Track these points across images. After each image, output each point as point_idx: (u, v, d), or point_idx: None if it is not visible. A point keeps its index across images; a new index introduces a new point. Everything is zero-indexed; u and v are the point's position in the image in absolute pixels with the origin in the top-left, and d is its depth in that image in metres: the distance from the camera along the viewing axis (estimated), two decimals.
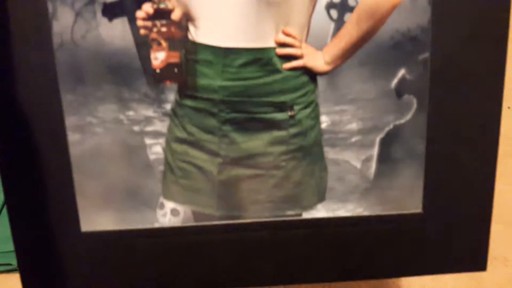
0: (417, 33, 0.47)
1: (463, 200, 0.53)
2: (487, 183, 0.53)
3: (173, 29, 0.47)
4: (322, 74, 0.49)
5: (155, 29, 0.46)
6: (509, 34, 0.49)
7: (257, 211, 0.52)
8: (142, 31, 0.47)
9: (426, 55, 0.48)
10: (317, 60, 0.49)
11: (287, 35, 0.47)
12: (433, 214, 0.53)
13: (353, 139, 0.51)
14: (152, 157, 0.51)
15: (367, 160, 0.51)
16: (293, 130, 0.50)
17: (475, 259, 0.54)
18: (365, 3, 0.46)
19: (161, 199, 0.52)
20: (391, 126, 0.50)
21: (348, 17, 0.47)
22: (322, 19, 0.48)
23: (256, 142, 0.50)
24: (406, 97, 0.49)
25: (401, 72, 0.48)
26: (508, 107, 0.53)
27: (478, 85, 0.49)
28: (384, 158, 0.51)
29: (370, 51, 0.48)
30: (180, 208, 0.53)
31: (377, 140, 0.51)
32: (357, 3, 0.47)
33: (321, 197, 0.53)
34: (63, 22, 0.46)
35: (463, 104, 0.50)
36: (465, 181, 0.52)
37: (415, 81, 0.49)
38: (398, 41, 0.48)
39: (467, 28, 0.47)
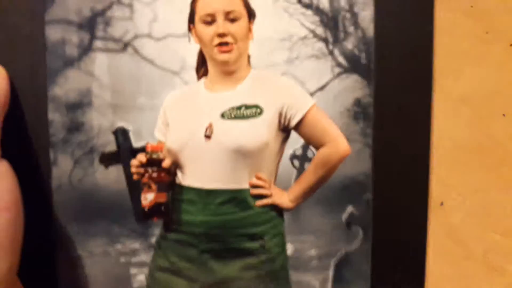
0: (361, 178, 0.59)
1: None
2: None
3: (162, 174, 0.54)
4: (288, 210, 0.58)
5: (147, 175, 0.53)
6: None
7: None
8: (135, 177, 0.53)
9: (369, 195, 0.60)
10: (283, 199, 0.58)
11: (259, 178, 0.57)
12: None
13: (313, 263, 0.60)
14: (135, 285, 0.56)
15: (324, 280, 0.60)
16: (263, 257, 0.57)
17: None
18: (320, 155, 0.57)
19: None
20: (342, 252, 0.60)
21: (307, 165, 0.58)
22: (287, 167, 0.58)
23: (231, 268, 0.56)
24: (354, 228, 0.60)
25: (350, 208, 0.60)
26: (503, 115, 0.54)
27: (408, 218, 0.61)
28: (338, 278, 0.60)
29: (325, 192, 0.59)
30: None
31: (332, 263, 0.60)
32: (314, 155, 0.58)
33: None
34: (62, 167, 0.52)
35: (402, 234, 0.61)
36: None
37: (361, 216, 0.60)
38: (346, 184, 0.59)
39: (403, 170, 0.60)
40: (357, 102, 0.58)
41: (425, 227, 0.61)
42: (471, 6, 0.54)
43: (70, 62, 0.51)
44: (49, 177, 0.52)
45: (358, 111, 0.58)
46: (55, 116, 0.51)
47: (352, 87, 0.58)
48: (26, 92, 0.50)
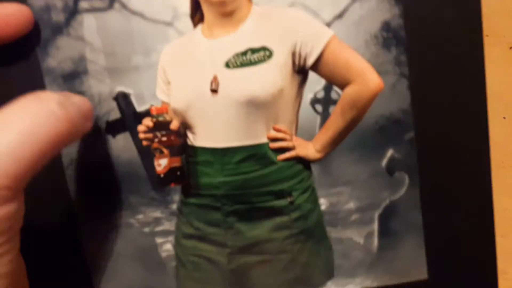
0: (400, 116, 0.50)
1: (466, 261, 0.54)
2: (487, 240, 0.54)
3: (172, 137, 0.50)
4: (315, 161, 0.52)
5: (156, 140, 0.49)
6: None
7: None
8: (144, 143, 0.50)
9: (411, 134, 0.51)
10: (308, 150, 0.51)
11: (278, 130, 0.50)
12: (439, 279, 0.54)
13: (353, 217, 0.53)
14: (163, 254, 0.53)
15: (369, 235, 0.53)
16: (294, 215, 0.52)
17: None
18: (347, 96, 0.49)
19: None
20: (387, 202, 0.52)
21: (332, 109, 0.50)
22: (308, 114, 0.51)
23: (260, 229, 0.52)
24: (397, 174, 0.52)
25: (390, 152, 0.51)
26: (504, 118, 0.53)
27: (463, 154, 0.51)
28: (385, 232, 0.53)
29: (358, 136, 0.50)
30: None
31: (376, 216, 0.53)
32: (339, 96, 0.50)
33: (329, 275, 0.54)
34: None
35: (453, 174, 0.52)
36: (465, 243, 0.53)
37: (404, 159, 0.51)
38: (383, 124, 0.50)
39: (446, 105, 0.50)
40: (386, 26, 0.48)
41: (485, 161, 0.51)
42: None
43: (58, 29, 0.48)
44: (59, 155, 0.50)
45: (387, 36, 0.48)
46: (53, 89, 0.49)
47: (377, 9, 0.47)
48: (20, 69, 0.48)
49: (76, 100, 0.40)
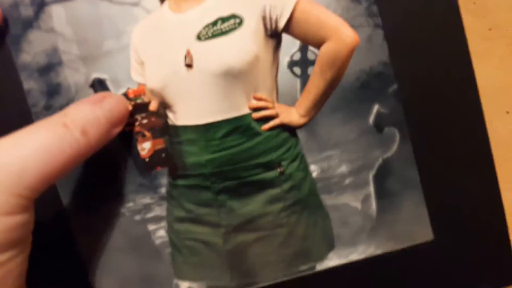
0: (380, 68, 0.48)
1: (472, 215, 0.51)
2: (491, 190, 0.51)
3: (153, 119, 0.49)
4: (300, 127, 0.50)
5: (137, 123, 0.48)
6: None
7: (270, 273, 0.51)
8: (125, 128, 0.49)
9: (394, 87, 0.49)
10: (292, 116, 0.50)
11: (259, 99, 0.49)
12: (446, 238, 0.51)
13: (347, 181, 0.50)
14: (157, 241, 0.51)
15: (366, 199, 0.51)
16: (286, 185, 0.50)
17: (499, 274, 0.51)
18: (324, 54, 0.48)
19: (175, 281, 0.52)
20: (380, 161, 0.50)
21: (311, 70, 0.49)
22: (288, 78, 0.49)
23: (253, 205, 0.50)
24: (387, 130, 0.49)
25: (376, 107, 0.49)
26: (507, 112, 0.52)
27: (452, 100, 0.49)
28: (382, 193, 0.50)
29: (340, 96, 0.49)
30: (195, 285, 0.52)
31: (370, 177, 0.50)
32: (316, 56, 0.48)
33: (330, 246, 0.51)
34: None
35: (443, 123, 0.49)
36: (468, 196, 0.50)
37: (391, 113, 0.49)
38: (364, 80, 0.49)
39: (427, 52, 0.48)
40: None
41: (477, 104, 0.49)
42: (474, 3, 0.52)
43: (28, 24, 0.48)
44: None
45: None
46: (30, 84, 0.48)
47: None
48: None
49: (108, 107, 0.42)
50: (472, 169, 0.50)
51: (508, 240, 0.52)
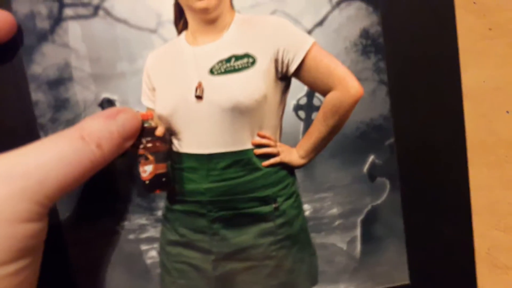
0: (380, 122, 0.50)
1: (446, 265, 0.54)
2: (466, 246, 0.54)
3: (158, 143, 0.49)
4: (299, 167, 0.51)
5: (141, 146, 0.48)
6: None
7: None
8: (129, 149, 0.49)
9: (391, 140, 0.51)
10: (292, 156, 0.51)
11: (262, 136, 0.50)
12: (420, 283, 0.54)
13: (336, 223, 0.52)
14: (148, 261, 0.52)
15: (352, 241, 0.53)
16: (279, 221, 0.51)
17: None
18: (329, 102, 0.49)
19: None
20: (369, 207, 0.52)
21: (315, 115, 0.50)
22: (292, 120, 0.50)
23: (246, 236, 0.51)
24: (378, 179, 0.51)
25: (371, 158, 0.51)
26: (507, 112, 0.52)
27: (443, 160, 0.51)
28: (367, 237, 0.52)
29: (340, 142, 0.50)
30: None
31: (358, 221, 0.52)
32: (321, 102, 0.50)
33: (313, 281, 0.53)
34: None
35: (433, 179, 0.52)
36: (445, 248, 0.53)
37: (385, 164, 0.51)
38: (363, 131, 0.50)
39: (425, 110, 0.50)
40: (365, 33, 0.48)
41: (463, 166, 0.51)
42: (474, 3, 0.51)
43: (43, 36, 0.47)
44: None
45: (366, 43, 0.48)
46: (38, 96, 0.48)
47: (356, 16, 0.48)
48: (4, 75, 0.47)
49: (122, 122, 0.42)
50: (454, 224, 0.53)
51: None
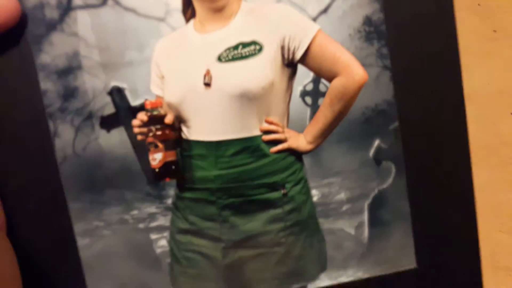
0: (384, 107, 0.51)
1: (452, 248, 0.54)
2: (470, 228, 0.54)
3: (167, 131, 0.48)
4: (306, 153, 0.51)
5: (151, 134, 0.48)
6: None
7: None
8: (139, 137, 0.49)
9: (395, 124, 0.51)
10: (300, 141, 0.51)
11: (270, 123, 0.50)
12: (427, 267, 0.54)
13: (344, 208, 0.52)
14: (158, 250, 0.51)
15: (360, 226, 0.53)
16: (287, 207, 0.51)
17: None
18: (335, 88, 0.49)
19: None
20: (375, 191, 0.52)
21: (321, 101, 0.50)
22: (299, 106, 0.51)
23: (255, 222, 0.51)
24: (384, 163, 0.52)
25: (376, 142, 0.51)
26: (511, 113, 0.52)
27: (445, 142, 0.52)
28: (375, 222, 0.53)
29: (346, 128, 0.51)
30: None
31: (366, 206, 0.52)
32: (327, 88, 0.50)
33: (323, 267, 0.53)
34: (65, 138, 0.48)
35: (437, 161, 0.52)
36: (450, 231, 0.54)
37: (390, 149, 0.51)
38: (368, 116, 0.51)
39: (429, 96, 0.51)
40: (367, 20, 0.49)
41: (465, 148, 0.52)
42: (478, 5, 0.51)
43: (52, 26, 0.47)
44: (52, 150, 0.48)
45: (369, 30, 0.49)
46: (47, 85, 0.47)
47: (359, 4, 0.49)
48: (13, 64, 0.46)
49: None
50: (457, 207, 0.53)
51: (480, 273, 0.55)
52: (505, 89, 0.52)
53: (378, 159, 0.52)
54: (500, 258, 0.58)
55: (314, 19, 0.49)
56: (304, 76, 0.50)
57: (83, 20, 0.47)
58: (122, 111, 0.49)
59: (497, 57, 0.51)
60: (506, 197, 0.53)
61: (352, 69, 0.49)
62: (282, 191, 0.51)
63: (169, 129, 0.49)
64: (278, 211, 0.51)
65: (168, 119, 0.48)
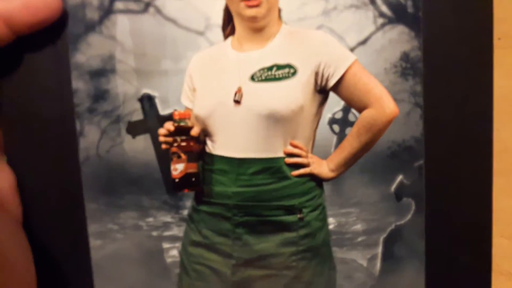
0: (412, 143, 0.50)
1: None
2: (484, 276, 0.53)
3: (192, 143, 0.48)
4: (327, 180, 0.50)
5: (175, 144, 0.47)
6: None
7: None
8: (163, 146, 0.48)
9: (420, 162, 0.50)
10: (322, 168, 0.50)
11: (295, 146, 0.49)
12: None
13: (359, 239, 0.51)
14: (169, 260, 0.50)
15: (373, 258, 0.51)
16: (302, 232, 0.50)
17: None
18: (364, 118, 0.49)
19: None
20: (392, 226, 0.51)
21: (348, 130, 0.49)
22: (325, 133, 0.50)
23: (268, 243, 0.50)
24: (405, 200, 0.51)
25: (399, 177, 0.50)
26: None
27: (469, 187, 0.51)
28: (388, 256, 0.51)
29: (370, 160, 0.50)
30: None
31: (381, 239, 0.51)
32: (356, 118, 0.49)
33: None
34: (90, 139, 0.48)
35: (458, 205, 0.51)
36: (464, 275, 0.52)
37: (412, 186, 0.50)
38: (394, 150, 0.50)
39: (456, 137, 0.50)
40: (405, 57, 0.48)
41: (488, 196, 0.51)
42: None
43: (91, 27, 0.46)
44: (76, 149, 0.47)
45: (405, 66, 0.48)
46: (79, 85, 0.47)
47: (398, 40, 0.48)
48: (48, 60, 0.46)
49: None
50: (472, 255, 0.51)
51: None
52: (510, 96, 0.51)
53: (399, 194, 0.50)
54: (501, 263, 0.57)
55: (352, 49, 0.48)
56: (334, 104, 0.49)
57: (122, 25, 0.47)
58: (150, 119, 0.48)
59: (501, 64, 0.49)
60: (507, 203, 0.52)
61: (383, 102, 0.48)
62: (299, 215, 0.50)
63: (194, 141, 0.48)
64: (292, 234, 0.50)
65: (194, 131, 0.48)
